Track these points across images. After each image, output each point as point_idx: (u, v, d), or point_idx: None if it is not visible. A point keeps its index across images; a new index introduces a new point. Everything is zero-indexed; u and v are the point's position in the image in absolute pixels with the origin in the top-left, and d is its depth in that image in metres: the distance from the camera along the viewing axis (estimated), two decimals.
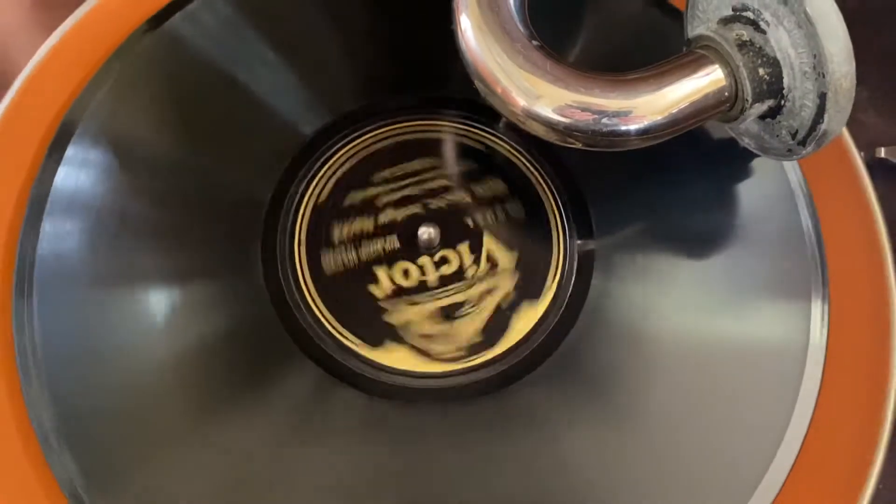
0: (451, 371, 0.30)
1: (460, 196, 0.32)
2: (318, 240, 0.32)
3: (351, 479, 0.28)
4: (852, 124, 0.36)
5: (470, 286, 0.31)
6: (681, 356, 0.30)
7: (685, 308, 0.31)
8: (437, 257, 0.32)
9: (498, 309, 0.31)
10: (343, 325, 0.30)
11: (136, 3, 0.35)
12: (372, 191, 0.32)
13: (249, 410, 0.28)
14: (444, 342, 0.30)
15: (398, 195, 0.32)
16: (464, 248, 0.32)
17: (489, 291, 0.31)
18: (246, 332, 0.30)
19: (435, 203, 0.32)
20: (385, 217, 0.32)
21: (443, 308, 0.31)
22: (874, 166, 0.36)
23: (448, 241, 0.32)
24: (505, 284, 0.31)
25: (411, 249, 0.31)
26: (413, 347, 0.30)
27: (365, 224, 0.32)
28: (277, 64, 0.34)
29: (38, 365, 0.28)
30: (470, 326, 0.31)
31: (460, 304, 0.31)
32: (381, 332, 0.30)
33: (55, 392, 0.28)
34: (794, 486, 0.29)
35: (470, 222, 0.32)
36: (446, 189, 0.33)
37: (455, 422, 0.29)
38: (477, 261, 0.31)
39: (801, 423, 0.29)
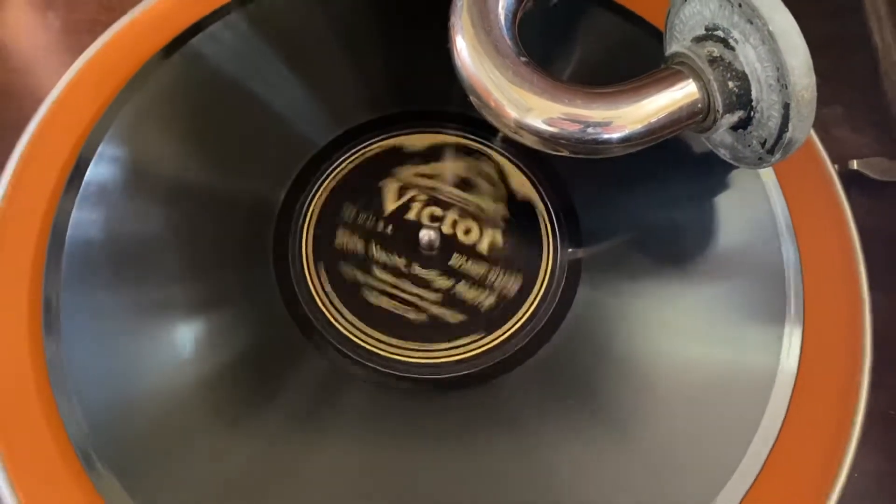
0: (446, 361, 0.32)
1: (457, 202, 0.34)
2: (328, 250, 0.33)
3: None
4: (829, 139, 0.38)
5: (470, 284, 0.33)
6: (656, 368, 0.31)
7: (665, 323, 0.32)
8: (425, 264, 0.33)
9: (497, 303, 0.32)
10: (369, 326, 0.32)
11: (160, 25, 0.37)
12: (409, 179, 0.34)
13: (278, 422, 0.30)
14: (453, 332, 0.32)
15: (400, 202, 0.34)
16: (453, 264, 0.33)
17: (487, 287, 0.33)
18: (271, 348, 0.31)
19: (434, 209, 0.34)
20: (389, 223, 0.33)
21: (412, 304, 0.32)
22: (848, 177, 0.37)
23: (443, 251, 0.33)
24: (500, 280, 0.33)
25: (409, 244, 0.33)
26: (490, 320, 0.32)
27: (370, 231, 0.33)
28: (291, 80, 0.36)
29: (72, 390, 0.29)
30: (510, 285, 0.32)
31: (422, 310, 0.32)
32: (398, 326, 0.32)
33: (89, 414, 0.29)
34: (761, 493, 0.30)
35: (467, 226, 0.34)
36: (445, 196, 0.34)
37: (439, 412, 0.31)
38: (475, 260, 0.33)
39: (773, 425, 0.31)
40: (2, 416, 0.30)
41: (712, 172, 0.35)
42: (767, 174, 0.35)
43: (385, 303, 0.32)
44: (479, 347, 0.32)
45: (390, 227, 0.34)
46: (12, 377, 0.30)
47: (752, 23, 0.28)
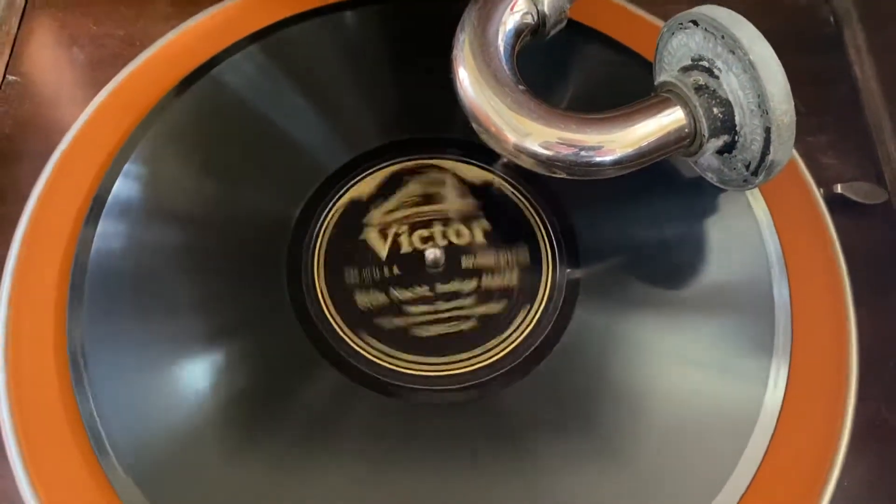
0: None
1: (433, 216, 0.36)
2: (355, 312, 0.34)
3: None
4: (815, 166, 0.40)
5: (475, 300, 0.34)
6: (644, 390, 0.32)
7: (656, 349, 0.33)
8: (444, 272, 0.34)
9: (498, 315, 0.34)
10: (393, 348, 0.33)
11: (178, 60, 0.39)
12: (382, 220, 0.35)
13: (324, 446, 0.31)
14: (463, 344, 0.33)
15: (389, 243, 0.35)
16: (466, 266, 0.35)
17: (508, 268, 0.34)
18: (292, 372, 0.32)
19: (440, 229, 0.35)
20: (396, 245, 0.35)
21: (457, 317, 0.33)
22: (832, 201, 0.38)
23: (452, 260, 0.35)
24: (502, 296, 0.34)
25: (421, 272, 0.34)
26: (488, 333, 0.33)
27: (382, 282, 0.34)
28: (306, 109, 0.38)
29: (103, 426, 0.30)
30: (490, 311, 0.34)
31: (468, 316, 0.34)
32: (414, 345, 0.33)
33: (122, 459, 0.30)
34: None
35: (456, 229, 0.35)
36: (421, 217, 0.36)
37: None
38: (478, 277, 0.34)
39: (761, 443, 0.31)
40: (33, 446, 0.31)
41: (704, 198, 0.37)
42: (757, 199, 0.36)
43: (437, 330, 0.33)
44: (472, 365, 0.33)
45: (396, 268, 0.35)
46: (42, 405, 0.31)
47: (733, 53, 0.30)
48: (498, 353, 0.33)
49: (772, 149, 0.30)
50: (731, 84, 0.31)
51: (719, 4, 0.32)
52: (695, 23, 0.31)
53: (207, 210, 0.35)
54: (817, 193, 0.37)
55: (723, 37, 0.30)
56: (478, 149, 0.36)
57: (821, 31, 0.46)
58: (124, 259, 0.34)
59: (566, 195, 0.36)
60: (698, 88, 0.31)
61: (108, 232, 0.34)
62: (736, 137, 0.31)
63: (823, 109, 0.43)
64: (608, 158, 0.30)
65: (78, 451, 0.30)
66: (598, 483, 0.30)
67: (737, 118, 0.31)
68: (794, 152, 0.38)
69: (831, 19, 0.46)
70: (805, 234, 0.36)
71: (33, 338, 0.32)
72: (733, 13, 0.30)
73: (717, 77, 0.31)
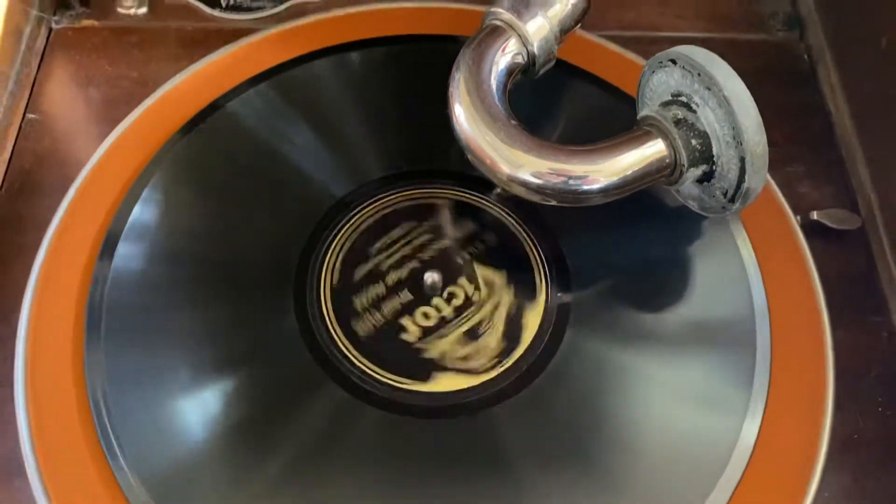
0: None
1: (459, 247, 0.37)
2: (345, 309, 0.35)
3: None
4: (792, 194, 0.41)
5: (480, 307, 0.35)
6: (628, 414, 0.33)
7: (639, 374, 0.34)
8: (445, 295, 0.35)
9: (509, 317, 0.35)
10: (392, 372, 0.34)
11: (189, 98, 0.40)
12: (383, 252, 0.37)
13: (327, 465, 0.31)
14: (478, 357, 0.34)
15: (404, 252, 0.37)
16: (463, 280, 0.36)
17: (496, 306, 0.35)
18: (299, 395, 0.33)
19: (435, 254, 0.37)
20: (393, 276, 0.36)
21: (466, 332, 0.35)
22: (809, 227, 0.40)
23: (448, 280, 0.36)
24: (506, 298, 0.35)
25: (422, 295, 0.35)
26: (457, 370, 0.34)
27: (378, 288, 0.35)
28: (313, 143, 0.39)
29: (120, 449, 0.31)
30: (492, 338, 0.35)
31: (478, 324, 0.35)
32: (426, 368, 0.34)
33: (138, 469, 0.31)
34: None
35: (463, 262, 0.36)
36: (448, 243, 0.37)
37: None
38: (477, 287, 0.36)
39: (740, 461, 0.32)
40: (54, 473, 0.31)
41: (688, 226, 0.38)
42: (738, 226, 0.38)
43: (437, 349, 0.34)
44: (465, 384, 0.33)
45: (397, 291, 0.36)
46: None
47: (709, 89, 0.32)
48: (491, 373, 0.34)
49: (747, 177, 0.32)
50: (708, 118, 0.33)
51: (702, 44, 0.33)
52: (673, 61, 0.34)
53: (217, 241, 0.37)
54: (794, 220, 0.39)
55: (699, 74, 0.32)
56: (474, 179, 0.38)
57: (797, 68, 0.47)
58: (138, 286, 0.35)
59: (559, 224, 0.38)
60: (678, 122, 0.33)
61: (122, 265, 0.35)
62: (713, 167, 0.33)
63: (800, 141, 0.44)
64: (595, 187, 0.32)
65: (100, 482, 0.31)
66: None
67: (714, 149, 0.33)
68: (772, 181, 0.40)
69: (806, 57, 0.48)
70: (784, 258, 0.38)
71: (52, 362, 0.33)
72: (709, 52, 0.32)
73: (694, 111, 0.33)
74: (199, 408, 0.33)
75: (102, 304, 0.34)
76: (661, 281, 0.37)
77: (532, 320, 0.35)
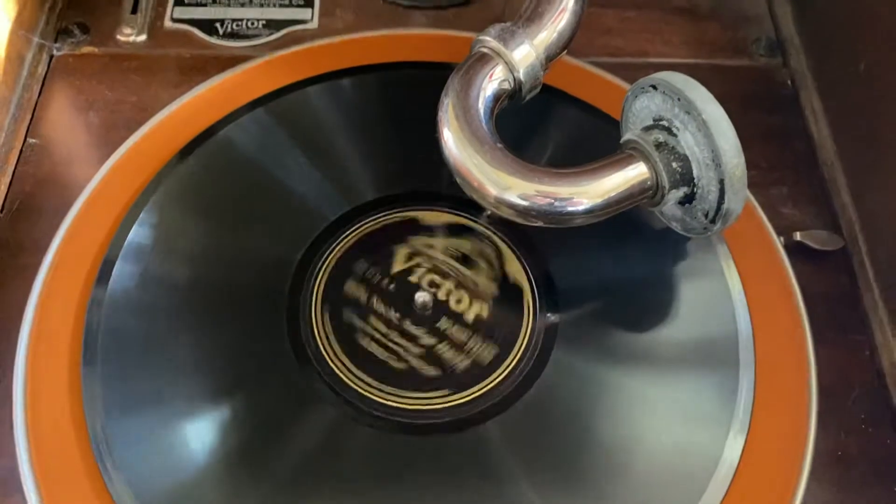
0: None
1: (456, 274, 0.38)
2: (336, 296, 0.36)
3: None
4: (775, 216, 0.42)
5: (470, 325, 0.36)
6: (613, 432, 0.34)
7: (625, 391, 0.35)
8: (436, 314, 0.36)
9: (470, 368, 0.35)
10: (386, 391, 0.34)
11: (186, 123, 0.41)
12: (374, 272, 0.37)
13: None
14: (469, 374, 0.35)
15: (406, 265, 0.38)
16: (453, 300, 0.37)
17: (465, 352, 0.36)
18: (296, 416, 0.34)
19: (435, 276, 0.38)
20: (384, 295, 0.37)
21: (456, 349, 0.36)
22: (792, 247, 0.40)
23: (439, 307, 0.37)
24: (495, 316, 0.36)
25: (413, 314, 0.36)
26: (447, 387, 0.35)
27: (374, 285, 0.37)
28: (308, 166, 0.40)
29: (116, 470, 0.32)
30: (482, 355, 0.36)
31: (468, 342, 0.36)
32: (417, 384, 0.35)
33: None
34: None
35: (459, 296, 0.37)
36: (447, 267, 0.38)
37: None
38: (467, 305, 0.37)
39: (727, 473, 0.33)
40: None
41: (674, 248, 0.39)
42: (723, 247, 0.38)
43: (374, 348, 0.35)
44: (448, 402, 0.34)
45: (393, 285, 0.37)
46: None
47: (689, 113, 0.33)
48: (480, 391, 0.35)
49: (726, 198, 0.33)
50: (688, 141, 0.34)
51: (688, 70, 0.35)
52: (654, 87, 0.35)
53: (213, 264, 0.38)
54: (778, 241, 0.40)
55: (679, 99, 0.33)
56: (464, 201, 0.39)
57: (780, 93, 0.48)
58: (134, 310, 0.36)
59: (548, 246, 0.39)
60: (659, 145, 0.34)
61: (118, 288, 0.36)
62: (694, 189, 0.34)
63: (783, 164, 0.45)
64: (579, 208, 0.33)
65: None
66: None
67: (694, 171, 0.34)
68: (756, 203, 0.41)
69: (789, 82, 0.49)
70: (767, 278, 0.38)
71: (50, 383, 0.34)
72: (688, 78, 0.34)
73: (675, 135, 0.34)
74: (194, 430, 0.33)
75: (99, 327, 0.35)
76: (646, 301, 0.38)
77: (521, 338, 0.36)
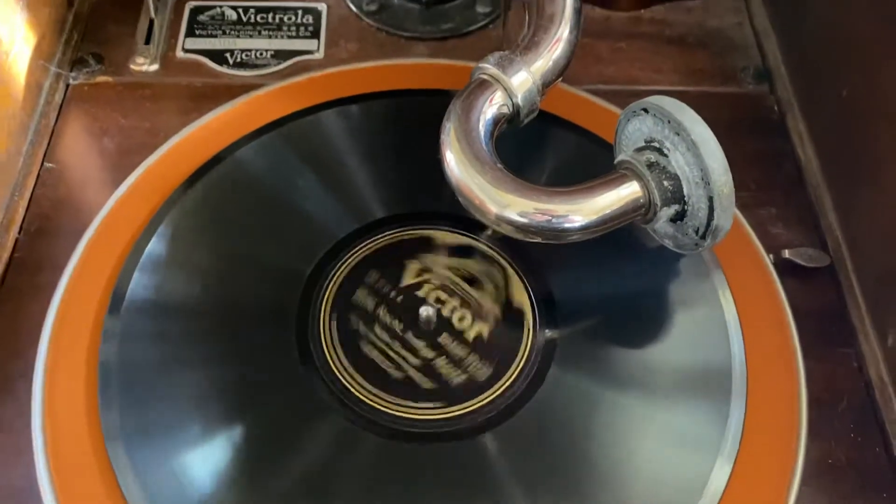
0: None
1: (462, 294, 0.39)
2: (345, 301, 0.37)
3: None
4: (765, 235, 0.43)
5: (472, 341, 0.37)
6: (607, 450, 0.35)
7: (619, 409, 0.36)
8: (440, 328, 0.37)
9: (465, 383, 0.36)
10: (393, 402, 0.35)
11: (199, 147, 0.42)
12: (380, 287, 0.39)
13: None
14: (470, 387, 0.36)
15: (415, 280, 0.39)
16: (456, 315, 0.38)
17: (462, 368, 0.37)
18: (309, 431, 0.35)
19: (441, 293, 0.39)
20: (390, 310, 0.38)
21: (458, 362, 0.37)
22: (781, 265, 0.42)
23: (441, 323, 0.38)
24: (495, 332, 0.37)
25: (417, 328, 0.37)
26: (449, 398, 0.36)
27: (383, 295, 0.38)
28: (318, 186, 0.42)
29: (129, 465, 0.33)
30: (482, 371, 0.36)
31: (470, 355, 0.37)
32: (420, 395, 0.36)
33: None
34: None
35: (463, 315, 0.38)
36: (454, 286, 0.39)
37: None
38: (470, 321, 0.38)
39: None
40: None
41: (668, 266, 0.40)
42: (715, 265, 0.40)
43: (375, 355, 0.37)
44: (441, 414, 0.35)
45: (401, 297, 0.38)
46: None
47: (678, 134, 0.35)
48: (477, 404, 0.36)
49: (715, 215, 0.35)
50: (678, 161, 0.35)
51: (678, 96, 0.36)
52: (646, 110, 0.36)
53: (226, 281, 0.39)
54: (768, 259, 0.41)
55: (669, 121, 0.35)
56: (466, 220, 0.40)
57: (767, 118, 0.50)
58: (148, 334, 0.37)
59: (548, 264, 0.40)
60: (651, 165, 0.36)
61: (133, 308, 0.37)
62: (685, 207, 0.36)
63: (771, 186, 0.46)
64: (576, 225, 0.34)
65: None
66: None
67: (684, 190, 0.35)
68: (746, 223, 0.42)
69: (776, 108, 0.50)
70: (758, 295, 0.40)
71: (67, 404, 0.35)
72: (677, 101, 0.35)
73: (666, 155, 0.35)
74: (208, 448, 0.34)
75: (114, 346, 0.36)
76: (644, 325, 0.39)
77: (518, 360, 0.37)
